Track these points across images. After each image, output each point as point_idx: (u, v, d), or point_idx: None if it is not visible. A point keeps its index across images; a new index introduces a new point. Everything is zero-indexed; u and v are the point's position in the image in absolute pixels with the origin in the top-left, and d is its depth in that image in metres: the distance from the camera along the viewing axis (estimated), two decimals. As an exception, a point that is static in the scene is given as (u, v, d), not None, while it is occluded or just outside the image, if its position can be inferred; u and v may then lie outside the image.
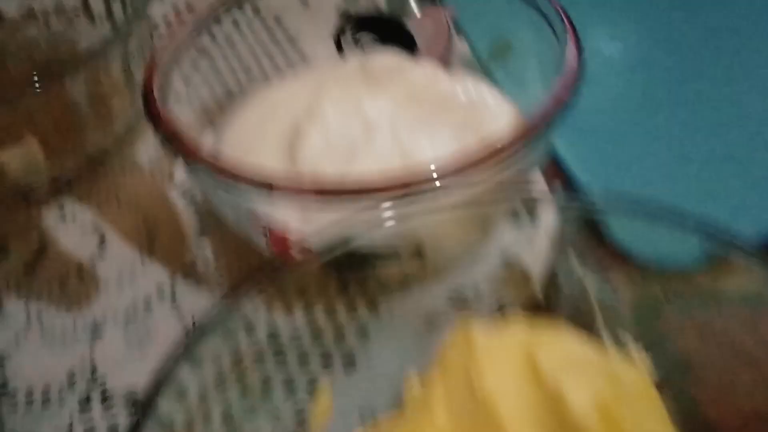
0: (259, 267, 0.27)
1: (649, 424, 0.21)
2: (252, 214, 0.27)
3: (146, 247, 0.36)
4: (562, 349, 0.22)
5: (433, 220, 0.27)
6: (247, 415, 0.27)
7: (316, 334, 0.30)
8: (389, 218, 0.24)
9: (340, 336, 0.30)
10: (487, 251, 0.31)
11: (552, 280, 0.27)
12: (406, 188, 0.23)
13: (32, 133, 0.36)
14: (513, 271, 0.30)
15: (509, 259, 0.30)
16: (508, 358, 0.22)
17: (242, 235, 0.31)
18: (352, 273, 0.29)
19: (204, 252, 0.35)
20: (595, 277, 0.25)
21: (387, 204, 0.24)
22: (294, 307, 0.30)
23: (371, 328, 0.30)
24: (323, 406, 0.25)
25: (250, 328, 0.28)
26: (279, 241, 0.27)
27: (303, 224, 0.25)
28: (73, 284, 0.35)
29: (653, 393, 0.22)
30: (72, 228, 0.38)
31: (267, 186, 0.24)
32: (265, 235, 0.28)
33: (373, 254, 0.28)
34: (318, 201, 0.24)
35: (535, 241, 0.29)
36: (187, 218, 0.37)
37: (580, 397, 0.20)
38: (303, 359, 0.29)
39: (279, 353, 0.28)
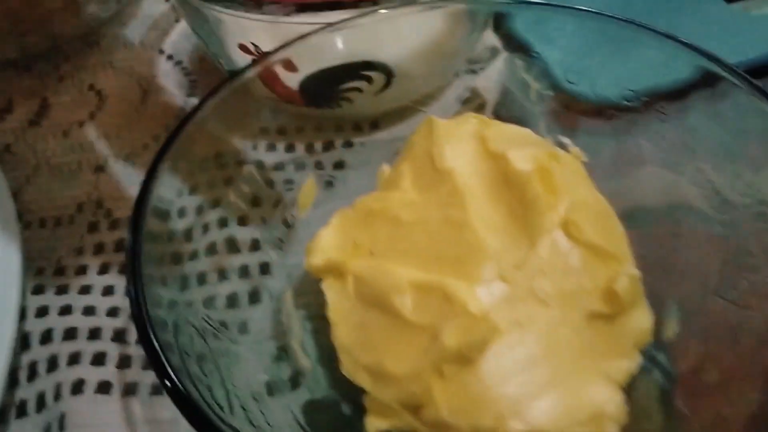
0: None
1: (578, 183, 0.24)
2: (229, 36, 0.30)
3: (141, 104, 0.39)
4: (508, 132, 0.26)
5: (399, 48, 0.30)
6: (240, 222, 0.29)
7: (299, 165, 0.33)
8: (358, 29, 0.27)
9: (319, 165, 0.33)
10: (448, 85, 0.34)
11: (502, 98, 0.31)
12: (374, 0, 0.26)
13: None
14: (470, 103, 0.33)
15: (468, 92, 0.33)
16: (464, 139, 0.25)
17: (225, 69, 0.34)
18: (327, 102, 0.32)
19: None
20: (539, 84, 0.28)
21: (354, 17, 0.27)
22: (277, 144, 0.33)
23: (347, 159, 0.33)
24: (308, 189, 0.28)
25: (238, 159, 0.31)
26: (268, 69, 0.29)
27: (274, 42, 0.28)
28: (76, 133, 0.37)
29: (583, 170, 0.26)
30: (72, 90, 0.40)
31: (255, 1, 0.27)
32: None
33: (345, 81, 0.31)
34: (298, 12, 0.27)
35: (490, 75, 0.33)
36: (176, 79, 0.40)
37: (521, 159, 0.24)
38: (287, 184, 0.32)
39: (267, 179, 0.31)
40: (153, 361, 0.18)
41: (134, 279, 0.20)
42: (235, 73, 0.25)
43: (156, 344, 0.19)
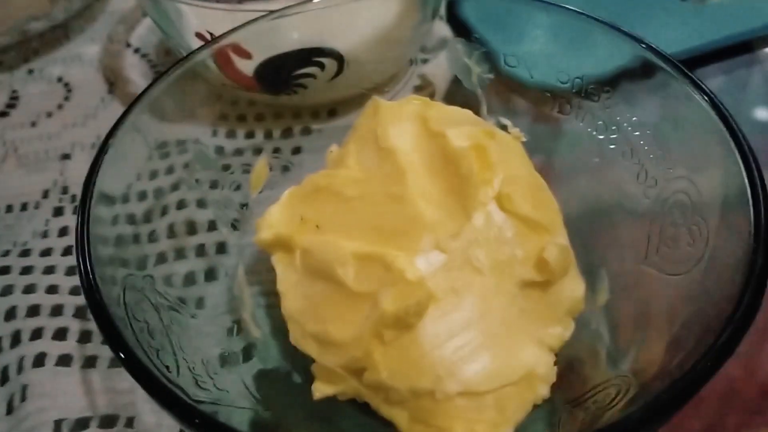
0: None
1: (514, 159, 0.25)
2: (187, 25, 0.31)
3: (107, 95, 0.40)
4: (448, 112, 0.27)
5: (350, 35, 0.31)
6: (198, 204, 0.30)
7: (257, 151, 0.34)
8: (307, 16, 0.28)
9: (277, 150, 0.34)
10: (400, 74, 0.35)
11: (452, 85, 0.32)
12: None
13: None
14: (422, 90, 0.34)
15: (419, 79, 0.34)
16: (406, 119, 0.26)
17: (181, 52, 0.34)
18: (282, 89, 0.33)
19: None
20: (480, 68, 0.29)
21: (301, 2, 0.28)
22: (237, 131, 0.34)
23: (304, 145, 0.34)
24: (260, 170, 0.29)
25: (198, 145, 0.32)
26: (222, 55, 0.30)
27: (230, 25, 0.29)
28: (44, 123, 0.38)
29: (521, 149, 0.27)
30: (40, 82, 0.41)
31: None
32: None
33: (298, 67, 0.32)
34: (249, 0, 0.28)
35: (440, 64, 0.34)
36: (142, 71, 0.41)
37: (459, 137, 0.25)
38: (246, 168, 0.33)
39: (225, 164, 0.32)
40: (104, 332, 0.19)
41: (84, 259, 0.21)
42: (185, 57, 0.26)
43: (106, 317, 0.19)
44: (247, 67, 0.30)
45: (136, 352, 0.18)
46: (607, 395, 0.23)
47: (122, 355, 0.18)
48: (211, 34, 0.30)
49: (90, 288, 0.20)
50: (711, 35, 0.38)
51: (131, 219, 0.27)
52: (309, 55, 0.30)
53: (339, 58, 0.31)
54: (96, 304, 0.19)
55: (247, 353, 0.26)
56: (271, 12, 0.27)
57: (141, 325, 0.21)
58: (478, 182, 0.24)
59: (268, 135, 0.34)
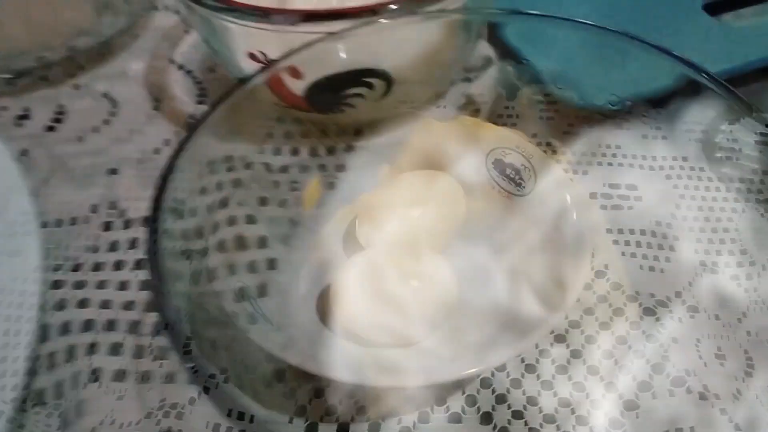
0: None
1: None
2: (238, 45, 0.31)
3: (153, 111, 0.40)
4: (498, 132, 0.27)
5: (399, 56, 0.31)
6: (248, 220, 0.30)
7: (303, 168, 0.34)
8: (360, 38, 0.28)
9: (322, 168, 0.34)
10: (445, 92, 0.35)
11: (495, 104, 0.32)
12: (374, 11, 0.27)
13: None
14: (466, 109, 0.34)
15: (464, 98, 0.34)
16: (457, 136, 0.26)
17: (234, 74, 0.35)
18: (331, 108, 0.33)
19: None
20: (531, 89, 0.29)
21: (356, 26, 0.28)
22: (282, 148, 0.34)
23: (348, 162, 0.34)
24: (313, 189, 0.29)
25: (245, 162, 0.32)
26: (275, 77, 0.30)
27: (281, 49, 0.29)
28: (91, 138, 0.38)
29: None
30: (86, 98, 0.41)
31: (263, 12, 0.28)
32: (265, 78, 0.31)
33: (348, 87, 0.32)
34: (304, 21, 0.28)
35: (484, 83, 0.34)
36: (186, 87, 0.41)
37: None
38: (293, 185, 0.33)
39: (273, 181, 0.32)
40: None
41: (156, 269, 0.21)
42: (245, 79, 0.26)
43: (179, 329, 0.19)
44: (297, 87, 0.30)
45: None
46: None
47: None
48: (263, 53, 0.30)
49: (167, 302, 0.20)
50: (741, 58, 0.37)
51: (184, 234, 0.27)
52: (359, 76, 0.30)
53: (388, 78, 0.31)
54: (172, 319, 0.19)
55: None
56: (328, 35, 0.27)
57: (204, 342, 0.21)
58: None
59: (313, 152, 0.35)
